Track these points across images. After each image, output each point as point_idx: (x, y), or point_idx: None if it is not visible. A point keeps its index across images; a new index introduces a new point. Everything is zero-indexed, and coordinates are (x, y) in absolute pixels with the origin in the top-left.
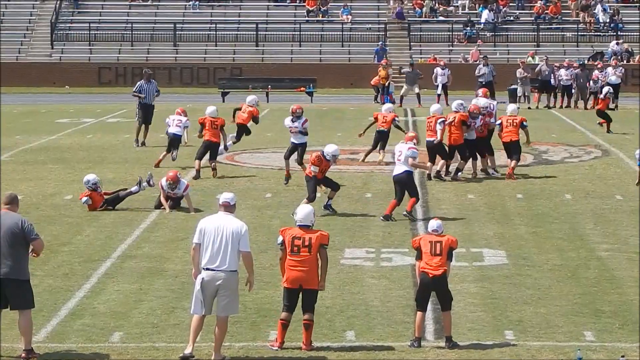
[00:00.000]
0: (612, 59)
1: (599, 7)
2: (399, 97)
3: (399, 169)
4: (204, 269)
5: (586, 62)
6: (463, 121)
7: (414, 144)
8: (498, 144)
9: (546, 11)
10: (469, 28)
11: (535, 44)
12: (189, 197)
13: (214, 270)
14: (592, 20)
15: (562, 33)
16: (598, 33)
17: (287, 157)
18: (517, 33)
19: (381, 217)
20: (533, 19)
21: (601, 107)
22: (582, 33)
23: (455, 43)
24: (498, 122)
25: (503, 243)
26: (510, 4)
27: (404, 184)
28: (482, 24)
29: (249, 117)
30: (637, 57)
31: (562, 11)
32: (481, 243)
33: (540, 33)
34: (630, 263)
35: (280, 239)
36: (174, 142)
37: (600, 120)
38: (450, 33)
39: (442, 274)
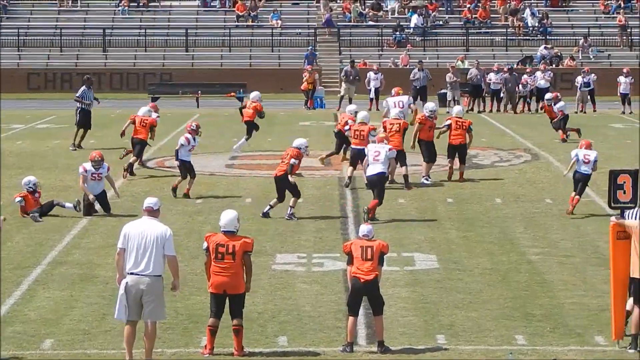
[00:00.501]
0: (541, 63)
1: (527, 11)
2: (339, 99)
3: (375, 169)
4: (128, 273)
5: (515, 66)
6: (405, 129)
7: (386, 143)
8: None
9: (475, 16)
10: (398, 33)
11: (465, 48)
12: (111, 177)
13: (138, 274)
14: (521, 25)
15: (491, 37)
16: (527, 37)
17: None
18: (447, 37)
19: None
20: (462, 23)
21: (552, 115)
22: (511, 37)
23: (385, 48)
24: (447, 122)
25: (434, 247)
26: (440, 9)
27: (377, 184)
28: (412, 29)
29: (254, 112)
30: (566, 61)
31: (492, 15)
32: (412, 247)
33: (470, 37)
34: (560, 266)
35: (205, 245)
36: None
37: (569, 131)
38: (380, 38)
39: (373, 279)
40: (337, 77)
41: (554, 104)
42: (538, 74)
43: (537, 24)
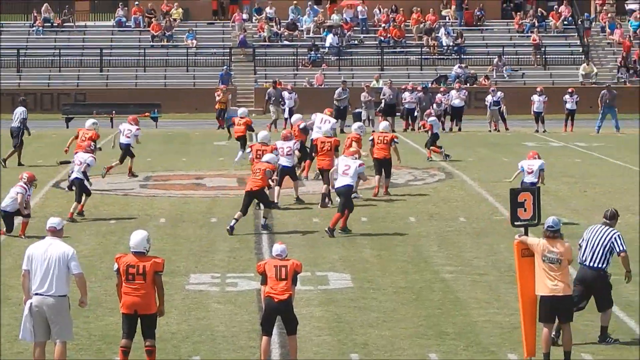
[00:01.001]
0: (455, 82)
1: (442, 30)
2: (272, 122)
3: (343, 181)
4: (33, 294)
5: (430, 85)
6: (337, 146)
7: (358, 158)
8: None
9: (390, 35)
10: (313, 52)
11: (380, 67)
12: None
13: (42, 295)
14: (435, 44)
15: (406, 57)
16: (442, 56)
17: None
18: (362, 57)
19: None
20: (377, 42)
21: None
22: (426, 56)
23: (300, 67)
24: (370, 138)
25: (348, 266)
26: (355, 28)
27: (345, 195)
28: (327, 48)
29: (245, 127)
30: (481, 80)
31: (406, 35)
32: (326, 266)
33: (385, 57)
34: (473, 285)
35: (115, 266)
36: (124, 150)
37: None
38: (295, 57)
39: (287, 299)
40: (252, 96)
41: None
42: (453, 92)
43: (451, 43)
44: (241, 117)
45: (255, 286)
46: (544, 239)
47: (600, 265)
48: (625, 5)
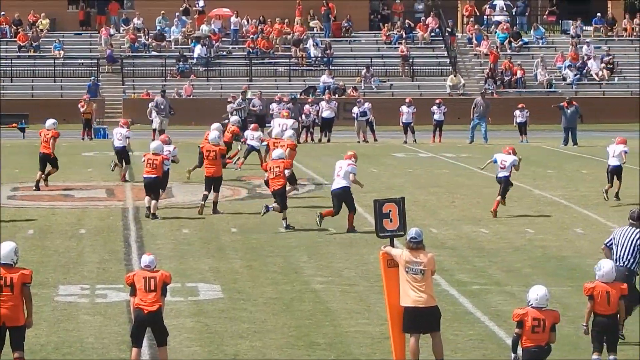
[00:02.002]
0: (325, 93)
1: (310, 41)
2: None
3: (338, 183)
4: None
5: (298, 96)
6: (222, 154)
7: (353, 161)
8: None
9: (258, 46)
10: (182, 63)
11: (249, 78)
12: None
13: None
14: (304, 55)
15: (275, 68)
16: (310, 67)
17: None
18: (230, 68)
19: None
20: (246, 53)
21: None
22: (295, 67)
23: (168, 78)
24: (264, 143)
25: (218, 277)
26: (223, 39)
27: (342, 198)
28: (195, 59)
29: (232, 136)
30: (349, 91)
31: (275, 45)
32: (196, 277)
33: (253, 68)
34: (344, 295)
35: None
36: (119, 154)
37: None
38: (164, 68)
39: (157, 310)
40: (121, 107)
41: None
42: (323, 104)
43: (320, 54)
44: (232, 124)
45: (124, 297)
46: (407, 250)
47: (629, 265)
48: (492, 17)
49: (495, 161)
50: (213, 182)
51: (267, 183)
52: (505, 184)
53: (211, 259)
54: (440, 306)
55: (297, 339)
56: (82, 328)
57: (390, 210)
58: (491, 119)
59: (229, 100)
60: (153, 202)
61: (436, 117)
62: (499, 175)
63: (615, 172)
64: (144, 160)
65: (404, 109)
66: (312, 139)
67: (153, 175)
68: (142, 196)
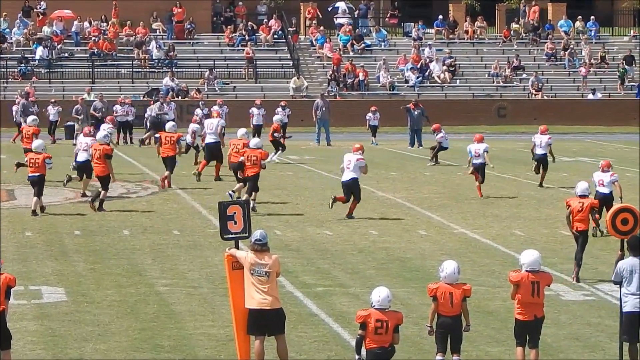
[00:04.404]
0: (168, 94)
1: (153, 43)
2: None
3: (348, 175)
4: None
5: (142, 98)
6: (107, 154)
7: (361, 154)
8: None
9: (100, 48)
10: (23, 65)
11: (91, 80)
12: None
13: None
14: (146, 57)
15: (118, 70)
16: (153, 69)
17: None
18: (73, 70)
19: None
20: (88, 55)
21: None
22: (137, 69)
23: (10, 80)
24: (157, 135)
25: (62, 280)
26: (65, 41)
27: (351, 188)
28: (37, 61)
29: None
30: (193, 92)
31: (118, 48)
32: (40, 280)
33: (96, 70)
34: (188, 297)
35: None
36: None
37: None
38: (5, 70)
39: (0, 313)
40: None
41: None
42: (160, 105)
43: (163, 56)
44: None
45: None
46: (251, 252)
47: None
48: (335, 19)
49: (471, 154)
50: (101, 180)
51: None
52: (482, 169)
53: (54, 262)
54: (285, 308)
55: (141, 341)
56: None
57: (234, 213)
58: (333, 120)
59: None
60: (35, 199)
61: (281, 118)
62: (475, 162)
63: (542, 161)
64: (27, 160)
65: (254, 110)
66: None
67: (37, 174)
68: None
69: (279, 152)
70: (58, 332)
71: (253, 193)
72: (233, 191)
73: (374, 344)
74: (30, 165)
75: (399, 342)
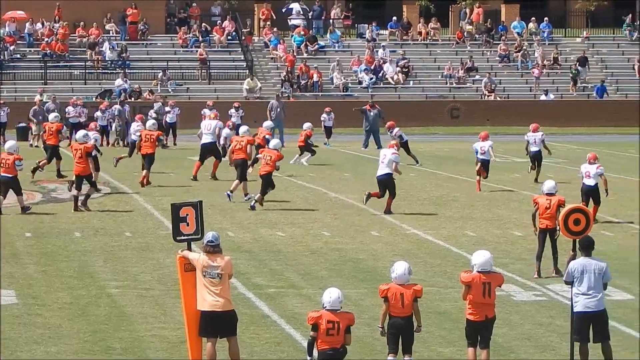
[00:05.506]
0: (121, 96)
1: (106, 44)
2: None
3: (382, 170)
4: None
5: (94, 99)
6: (88, 152)
7: (396, 150)
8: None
9: (53, 49)
10: None
11: (44, 82)
12: None
13: None
14: (99, 58)
15: (70, 71)
16: (106, 71)
17: None
18: (25, 71)
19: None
20: (41, 56)
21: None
22: (90, 71)
23: None
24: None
25: (12, 282)
26: (18, 42)
27: (386, 184)
28: None
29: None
30: (146, 94)
31: (70, 49)
32: None
33: (48, 71)
34: (140, 299)
35: None
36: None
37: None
38: None
39: None
40: None
41: None
42: (116, 107)
43: (116, 57)
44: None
45: None
46: (204, 254)
47: None
48: (289, 20)
49: (477, 151)
50: (83, 180)
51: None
52: (487, 165)
53: (5, 264)
54: (237, 310)
55: (92, 344)
56: None
57: (187, 214)
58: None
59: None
60: (17, 197)
61: (233, 119)
62: (480, 157)
63: (537, 157)
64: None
65: (206, 112)
66: (108, 143)
67: (9, 175)
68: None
69: (309, 155)
70: (8, 335)
71: (267, 191)
72: (231, 191)
73: (326, 345)
74: (2, 165)
75: (350, 343)
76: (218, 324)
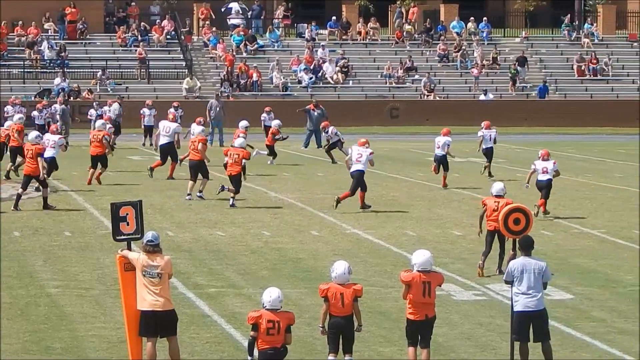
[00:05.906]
0: (59, 95)
1: (45, 44)
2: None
3: (356, 167)
4: None
5: (33, 98)
6: (39, 153)
7: (367, 147)
8: None
9: None
10: None
11: None
12: None
13: None
14: (38, 57)
15: (9, 70)
16: (45, 70)
17: None
18: None
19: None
20: None
21: None
22: (29, 70)
23: None
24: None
25: None
26: None
27: (360, 179)
28: None
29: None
30: (85, 93)
31: (9, 48)
32: None
33: None
34: (80, 299)
35: None
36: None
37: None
38: None
39: None
40: None
41: None
42: (56, 106)
43: (54, 57)
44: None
45: None
46: (144, 254)
47: None
48: (228, 20)
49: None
50: (32, 179)
51: (225, 166)
52: (444, 161)
53: None
54: (177, 309)
55: (32, 343)
56: None
57: (127, 214)
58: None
59: None
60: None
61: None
62: (436, 152)
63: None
64: None
65: (145, 111)
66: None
67: None
68: None
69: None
70: None
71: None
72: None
73: (266, 344)
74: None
75: (291, 343)
76: (158, 324)
